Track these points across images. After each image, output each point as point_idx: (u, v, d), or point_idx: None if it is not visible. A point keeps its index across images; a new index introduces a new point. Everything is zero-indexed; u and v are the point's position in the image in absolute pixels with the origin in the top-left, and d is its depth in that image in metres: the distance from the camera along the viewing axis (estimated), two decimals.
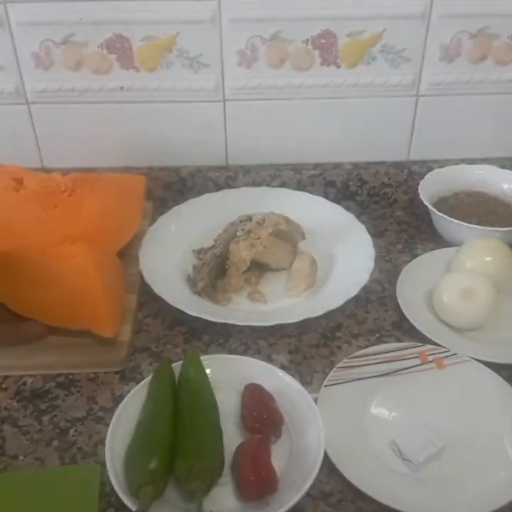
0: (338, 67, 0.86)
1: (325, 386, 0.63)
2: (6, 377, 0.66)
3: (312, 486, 0.52)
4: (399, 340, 0.71)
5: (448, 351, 0.67)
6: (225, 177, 0.93)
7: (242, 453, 0.55)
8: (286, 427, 0.58)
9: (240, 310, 0.75)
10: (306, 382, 0.65)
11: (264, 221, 0.78)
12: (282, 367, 0.66)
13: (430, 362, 0.66)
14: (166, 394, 0.59)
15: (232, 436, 0.58)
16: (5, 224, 0.75)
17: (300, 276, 0.77)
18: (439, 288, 0.72)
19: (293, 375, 0.63)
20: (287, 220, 0.80)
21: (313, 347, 0.70)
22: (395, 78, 0.87)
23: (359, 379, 0.64)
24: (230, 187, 0.93)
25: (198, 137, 0.91)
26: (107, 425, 0.57)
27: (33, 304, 0.66)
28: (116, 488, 0.51)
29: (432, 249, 0.84)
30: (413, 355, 0.67)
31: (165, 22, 0.82)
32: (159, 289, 0.72)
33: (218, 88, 0.87)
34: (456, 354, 0.67)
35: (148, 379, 0.61)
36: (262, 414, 0.57)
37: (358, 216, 0.86)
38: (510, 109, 0.91)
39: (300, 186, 0.94)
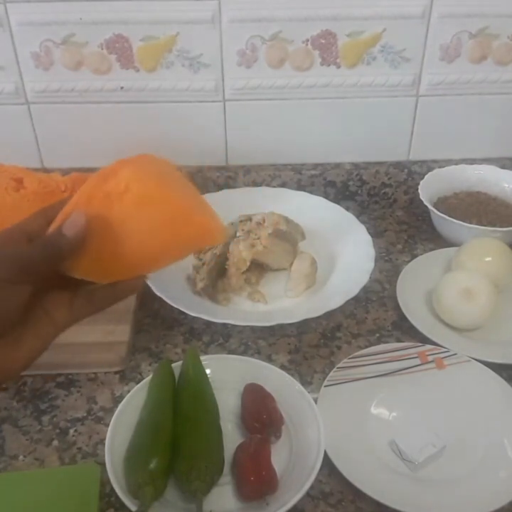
0: (338, 67, 0.86)
1: (325, 386, 0.63)
2: None
3: (312, 486, 0.52)
4: (399, 340, 0.71)
5: (448, 351, 0.67)
6: (225, 177, 0.93)
7: (242, 453, 0.55)
8: (286, 427, 0.58)
9: (240, 310, 0.75)
10: (306, 382, 0.65)
11: (264, 221, 0.78)
12: (282, 367, 0.66)
13: (430, 362, 0.66)
14: (166, 394, 0.59)
15: (232, 436, 0.58)
16: (5, 224, 0.75)
17: (300, 276, 0.77)
18: (439, 288, 0.72)
19: (293, 375, 0.63)
20: (287, 220, 0.80)
21: (313, 347, 0.70)
22: (395, 78, 0.87)
23: (359, 379, 0.64)
24: (230, 187, 0.93)
25: (198, 137, 0.91)
26: (107, 425, 0.57)
27: (127, 262, 0.49)
28: (116, 488, 0.51)
29: (432, 249, 0.84)
30: (413, 355, 0.67)
31: (165, 22, 0.82)
32: (159, 289, 0.72)
33: (218, 88, 0.87)
34: (456, 354, 0.67)
35: (148, 379, 0.61)
36: (262, 414, 0.57)
37: (358, 216, 0.86)
38: (510, 109, 0.91)
39: (300, 186, 0.94)
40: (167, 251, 0.50)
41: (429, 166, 0.93)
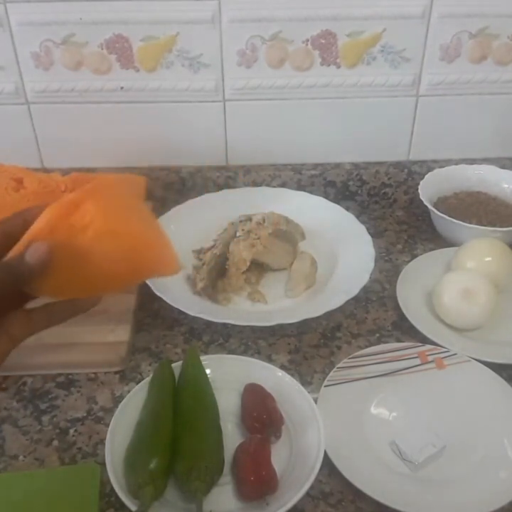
0: (338, 67, 0.86)
1: (325, 386, 0.63)
2: (6, 377, 0.66)
3: (312, 486, 0.52)
4: (399, 340, 0.71)
5: (448, 351, 0.67)
6: (225, 177, 0.93)
7: (242, 453, 0.55)
8: (286, 427, 0.58)
9: (240, 310, 0.75)
10: (306, 382, 0.65)
11: (264, 221, 0.78)
12: (282, 367, 0.66)
13: (430, 362, 0.66)
14: (166, 394, 0.59)
15: (232, 436, 0.58)
16: None
17: (300, 276, 0.77)
18: (439, 288, 0.72)
19: (293, 375, 0.63)
20: (287, 220, 0.80)
21: (313, 347, 0.70)
22: (395, 78, 0.87)
23: (359, 379, 0.64)
24: (230, 187, 0.93)
25: (198, 137, 0.91)
26: (107, 425, 0.57)
27: (81, 285, 0.53)
28: (116, 488, 0.51)
29: (432, 249, 0.84)
30: (413, 355, 0.67)
31: (165, 22, 0.82)
32: (159, 289, 0.72)
33: (218, 88, 0.87)
34: (456, 354, 0.67)
35: (148, 379, 0.61)
36: (262, 414, 0.57)
37: (358, 216, 0.86)
38: (510, 109, 0.91)
39: (300, 186, 0.94)
40: (124, 278, 0.54)
41: (429, 166, 0.93)
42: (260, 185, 0.93)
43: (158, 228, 0.57)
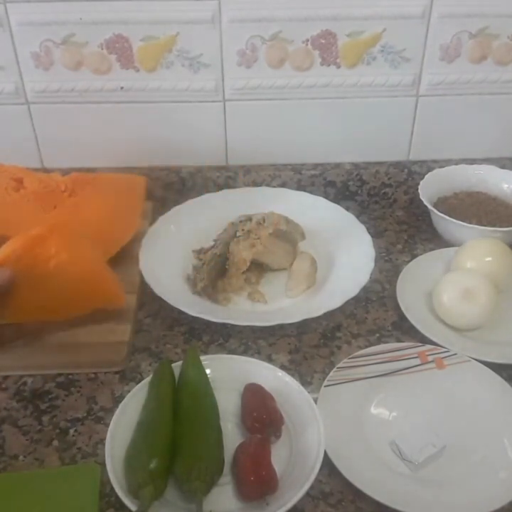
0: (338, 67, 0.86)
1: (325, 386, 0.63)
2: (6, 377, 0.66)
3: (312, 486, 0.52)
4: (399, 340, 0.71)
5: (448, 351, 0.67)
6: (225, 177, 0.93)
7: (242, 453, 0.55)
8: (286, 427, 0.58)
9: (240, 310, 0.75)
10: (306, 382, 0.65)
11: (264, 221, 0.78)
12: (282, 367, 0.66)
13: (430, 362, 0.66)
14: (166, 394, 0.59)
15: (232, 436, 0.58)
16: (4, 224, 0.75)
17: (300, 276, 0.77)
18: (439, 288, 0.72)
19: (293, 375, 0.63)
20: (287, 220, 0.80)
21: (313, 347, 0.70)
22: (395, 78, 0.87)
23: (359, 379, 0.64)
24: (230, 187, 0.93)
25: (198, 137, 0.92)
26: (107, 425, 0.57)
27: (36, 309, 0.61)
28: (116, 488, 0.51)
29: (432, 249, 0.84)
30: (413, 355, 0.67)
31: (165, 22, 0.82)
32: (159, 289, 0.72)
33: (218, 88, 0.87)
34: (456, 354, 0.67)
35: (148, 379, 0.61)
36: (262, 414, 0.57)
37: (358, 216, 0.86)
38: (510, 109, 0.91)
39: (300, 186, 0.94)
40: (77, 306, 0.63)
41: (429, 166, 0.93)
42: (260, 185, 0.93)
43: (106, 265, 0.68)
